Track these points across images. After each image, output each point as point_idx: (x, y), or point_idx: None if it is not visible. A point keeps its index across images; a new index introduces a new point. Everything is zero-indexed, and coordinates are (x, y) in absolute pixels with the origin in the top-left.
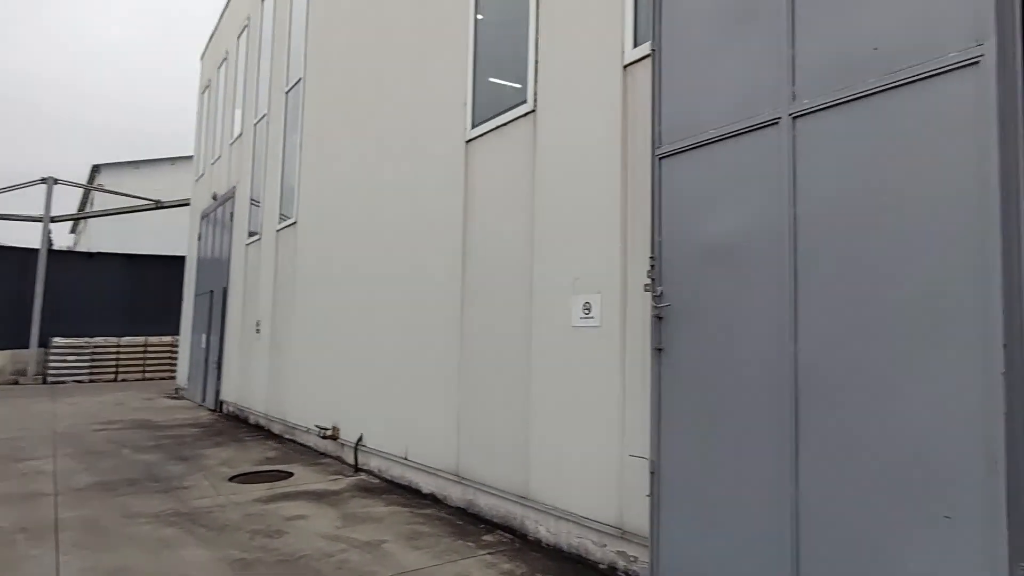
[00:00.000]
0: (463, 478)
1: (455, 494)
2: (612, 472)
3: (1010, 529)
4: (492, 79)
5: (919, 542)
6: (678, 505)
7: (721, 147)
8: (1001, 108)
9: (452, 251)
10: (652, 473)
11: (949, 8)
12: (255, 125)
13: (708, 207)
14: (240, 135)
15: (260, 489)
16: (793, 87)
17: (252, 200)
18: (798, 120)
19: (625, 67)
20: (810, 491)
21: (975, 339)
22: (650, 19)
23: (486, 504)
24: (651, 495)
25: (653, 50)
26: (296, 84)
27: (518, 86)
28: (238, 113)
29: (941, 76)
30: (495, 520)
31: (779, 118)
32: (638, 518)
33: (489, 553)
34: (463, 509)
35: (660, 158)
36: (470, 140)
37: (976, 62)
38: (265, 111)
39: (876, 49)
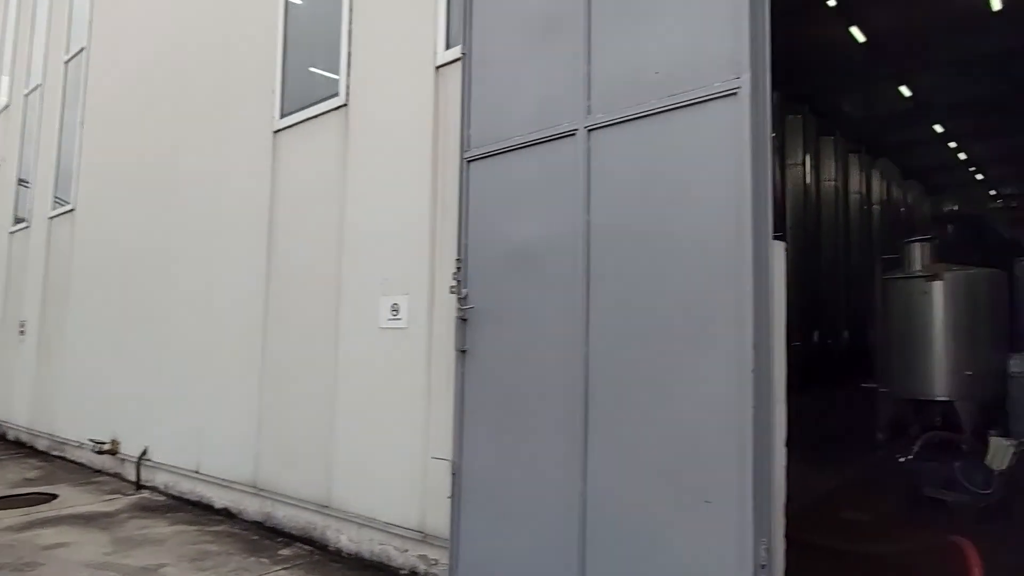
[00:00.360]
0: (261, 490)
1: (252, 507)
2: (416, 475)
3: (755, 510)
4: (311, 68)
5: (686, 526)
6: (478, 505)
7: (525, 154)
8: (753, 132)
9: (257, 246)
10: (454, 474)
11: (714, 44)
12: (26, 96)
13: (512, 212)
14: (7, 106)
15: (13, 515)
16: (589, 101)
17: (20, 181)
18: (593, 133)
19: (437, 68)
20: (597, 485)
21: (732, 341)
22: (462, 21)
23: (285, 516)
24: (452, 496)
25: (463, 54)
26: (78, 53)
27: (336, 77)
28: (5, 80)
29: (709, 103)
30: (294, 532)
31: (576, 130)
32: (440, 521)
33: (285, 568)
34: (260, 523)
35: (468, 161)
36: (279, 130)
37: (734, 93)
38: (39, 81)
39: (657, 73)
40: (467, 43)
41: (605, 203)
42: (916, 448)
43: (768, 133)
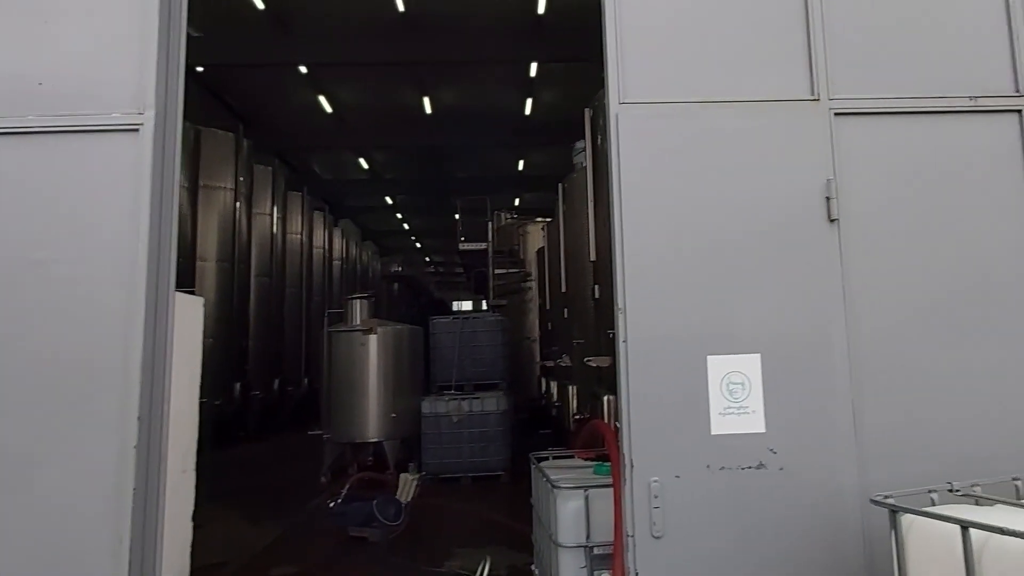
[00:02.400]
0: None
1: None
2: None
3: None
4: None
5: None
6: None
7: None
8: (157, 176)
9: None
10: None
11: (117, 73)
12: None
13: None
14: None
15: None
16: None
17: None
18: None
19: None
20: None
21: (116, 411)
22: None
23: None
24: None
25: None
26: None
27: None
28: None
29: (106, 134)
30: None
31: None
32: None
33: None
34: None
35: None
36: None
37: (136, 129)
38: None
39: (41, 84)
40: None
41: None
42: (345, 491)
43: (176, 178)
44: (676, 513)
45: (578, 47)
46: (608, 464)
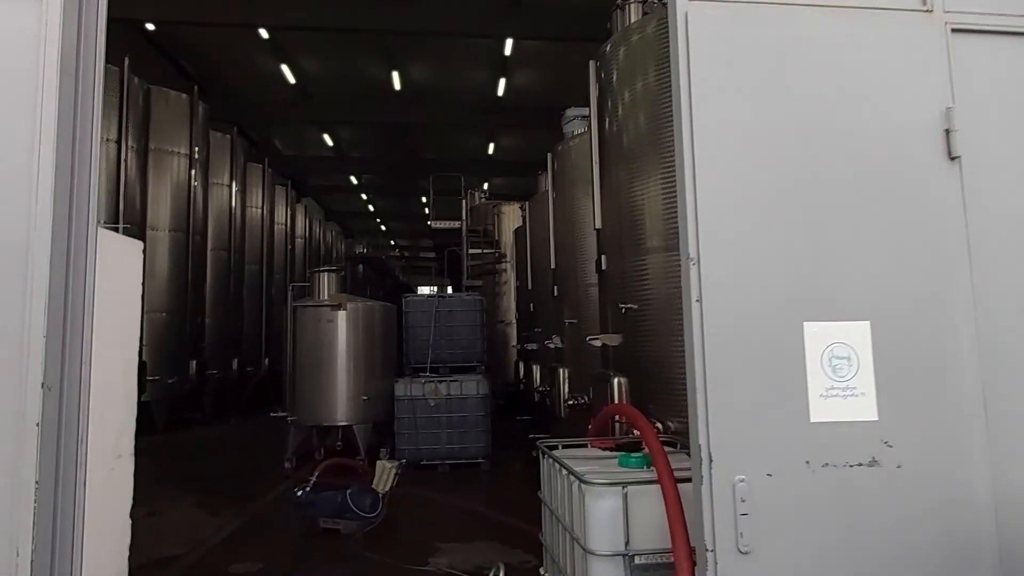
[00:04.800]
0: None
1: None
2: None
3: None
4: None
5: None
6: None
7: None
8: (68, 62)
9: None
10: None
11: None
12: None
13: None
14: None
15: None
16: None
17: None
18: None
19: None
20: None
21: (12, 379)
22: None
23: None
24: None
25: None
26: None
27: None
28: None
29: None
30: None
31: None
32: None
33: None
34: None
35: None
36: None
37: None
38: None
39: None
40: None
41: None
42: (313, 479)
43: (100, 69)
44: (768, 522)
45: (556, 25)
46: (636, 455)
